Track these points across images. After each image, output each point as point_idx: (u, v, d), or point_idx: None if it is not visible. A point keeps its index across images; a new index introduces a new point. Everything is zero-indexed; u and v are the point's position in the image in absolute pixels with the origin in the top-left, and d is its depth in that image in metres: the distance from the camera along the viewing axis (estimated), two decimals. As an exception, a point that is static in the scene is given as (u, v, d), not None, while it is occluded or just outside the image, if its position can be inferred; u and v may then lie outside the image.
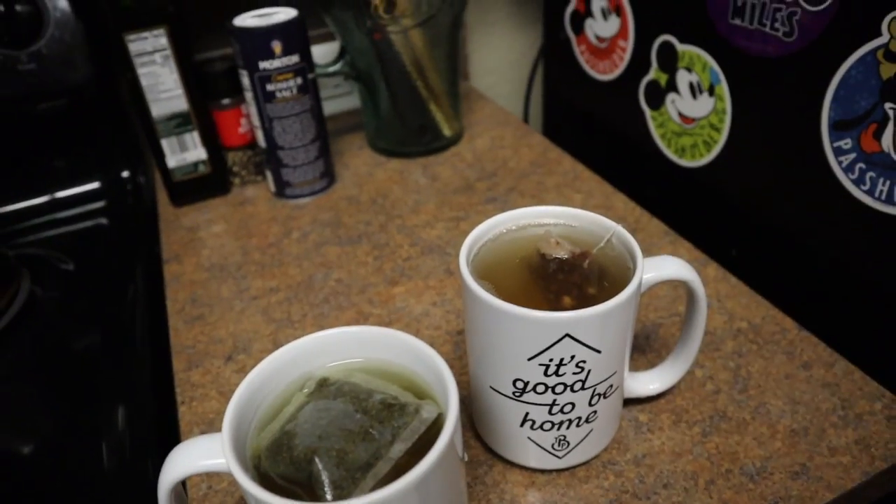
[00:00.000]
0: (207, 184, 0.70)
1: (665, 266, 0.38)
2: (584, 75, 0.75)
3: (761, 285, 0.54)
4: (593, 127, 0.77)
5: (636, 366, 0.48)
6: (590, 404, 0.37)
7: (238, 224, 0.67)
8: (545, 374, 0.35)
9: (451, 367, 0.49)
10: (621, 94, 0.69)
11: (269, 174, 0.69)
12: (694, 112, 0.60)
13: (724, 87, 0.56)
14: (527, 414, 0.37)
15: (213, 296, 0.59)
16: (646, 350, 0.49)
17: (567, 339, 0.33)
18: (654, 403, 0.45)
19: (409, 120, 0.73)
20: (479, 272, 0.38)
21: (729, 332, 0.50)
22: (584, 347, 0.34)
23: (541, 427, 0.38)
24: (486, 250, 0.39)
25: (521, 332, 0.34)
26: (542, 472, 0.41)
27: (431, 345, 0.51)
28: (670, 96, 0.63)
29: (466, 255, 0.37)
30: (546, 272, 0.38)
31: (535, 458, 0.40)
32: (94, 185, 0.73)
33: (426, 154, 0.75)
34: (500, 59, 0.96)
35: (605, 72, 0.71)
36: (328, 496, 0.27)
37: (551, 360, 0.34)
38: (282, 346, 0.32)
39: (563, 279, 0.37)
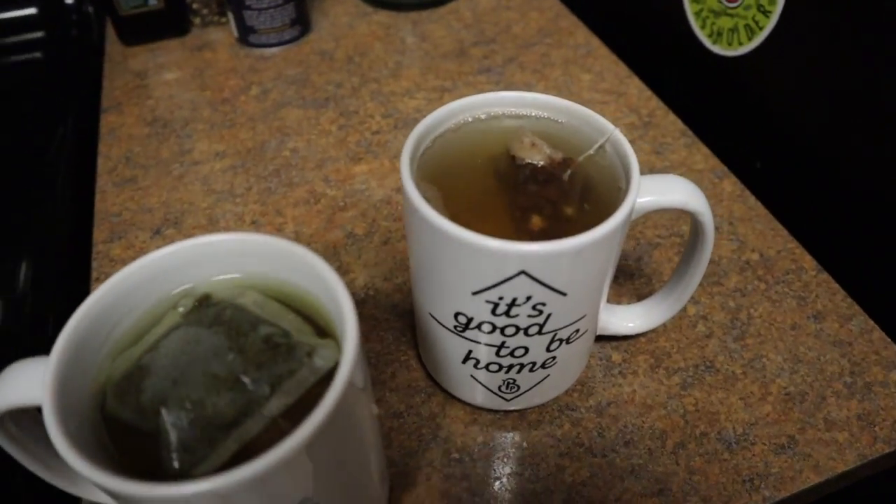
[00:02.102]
0: (162, 21, 0.60)
1: (668, 189, 0.29)
2: (620, -73, 0.62)
3: (784, 210, 0.45)
4: (621, -6, 0.65)
5: (619, 294, 0.41)
6: (547, 350, 0.30)
7: (192, 72, 0.58)
8: (493, 313, 0.28)
9: (406, 270, 0.42)
10: (659, -44, 0.57)
11: (231, 16, 0.58)
12: (743, -13, 0.49)
13: (786, -42, 0.45)
14: (470, 352, 0.31)
15: (151, 156, 0.51)
16: (634, 275, 0.42)
17: (523, 276, 0.26)
18: (633, 341, 0.38)
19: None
20: (429, 173, 0.29)
21: (735, 264, 0.42)
22: (545, 288, 0.26)
23: (486, 368, 0.31)
24: (444, 144, 0.31)
25: (464, 262, 0.26)
26: (488, 410, 0.36)
27: (387, 240, 0.43)
28: (718, -36, 0.51)
29: (412, 149, 0.29)
30: (515, 181, 0.30)
31: (479, 397, 0.34)
32: (31, 10, 0.62)
33: (419, 7, 0.63)
34: None
35: (645, -75, 0.58)
36: (174, 463, 0.21)
37: (501, 298, 0.27)
38: (218, 222, 0.25)
39: (535, 192, 0.29)
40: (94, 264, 0.43)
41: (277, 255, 0.25)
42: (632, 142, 0.49)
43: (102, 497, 0.30)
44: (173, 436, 0.21)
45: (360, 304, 0.40)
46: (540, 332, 0.29)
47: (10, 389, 0.23)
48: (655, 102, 0.53)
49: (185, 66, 0.59)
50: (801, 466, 0.33)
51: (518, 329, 0.28)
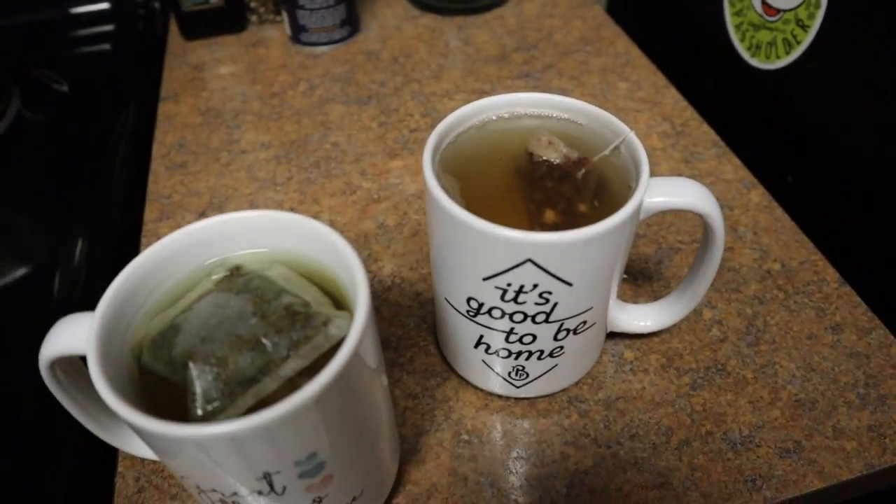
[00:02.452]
0: (221, 18, 0.64)
1: (678, 191, 0.31)
2: (666, -61, 0.63)
3: (812, 225, 0.45)
4: (661, 9, 0.65)
5: (636, 295, 0.42)
6: (555, 339, 0.32)
7: (246, 67, 0.61)
8: (502, 298, 0.29)
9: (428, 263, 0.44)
10: (702, -32, 0.57)
11: (285, 15, 0.62)
12: (781, 2, 0.49)
13: (824, -27, 0.45)
14: (481, 336, 0.32)
15: (202, 143, 0.54)
16: (653, 278, 0.43)
17: (529, 265, 0.27)
18: (646, 340, 0.39)
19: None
20: (450, 166, 0.31)
21: (756, 273, 0.43)
22: (551, 277, 0.28)
23: (496, 353, 0.33)
24: (466, 139, 0.33)
25: (476, 248, 0.28)
26: (500, 396, 0.37)
27: (416, 232, 0.45)
28: (758, -23, 0.51)
29: (436, 142, 0.31)
30: (531, 176, 0.31)
31: (491, 382, 0.36)
32: (104, 5, 0.67)
33: (465, 13, 0.65)
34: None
35: (690, -63, 0.59)
36: (197, 410, 0.23)
37: (509, 284, 0.28)
38: (258, 208, 0.27)
39: (550, 188, 0.31)
40: (143, 241, 0.47)
41: (303, 232, 0.27)
42: (662, 150, 0.50)
43: (135, 448, 0.33)
44: (198, 387, 0.24)
45: (386, 291, 0.42)
46: (547, 321, 0.30)
47: (59, 339, 0.26)
48: (690, 113, 0.54)
49: (239, 60, 0.62)
50: (805, 471, 0.34)
51: (526, 316, 0.30)
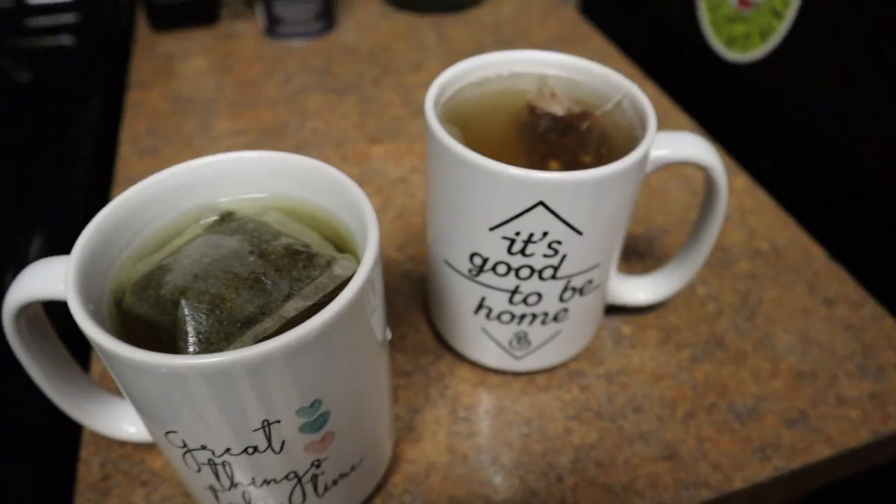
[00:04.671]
0: (193, 10, 0.62)
1: (683, 144, 0.30)
2: (638, -56, 0.64)
3: (794, 209, 0.46)
4: (635, 9, 0.66)
5: (628, 270, 0.41)
6: (560, 299, 0.30)
7: (218, 59, 0.60)
8: (509, 251, 0.28)
9: (419, 242, 0.42)
10: (676, -31, 0.59)
11: (259, 7, 0.60)
12: (758, -7, 0.50)
13: (800, -37, 0.46)
14: (483, 299, 0.31)
15: (174, 130, 0.52)
16: (645, 256, 0.42)
17: (540, 208, 0.26)
18: (642, 316, 0.38)
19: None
20: (452, 118, 0.30)
21: (745, 252, 0.42)
22: (562, 224, 0.27)
23: (498, 318, 0.31)
24: (466, 95, 0.32)
25: (484, 192, 0.27)
26: (497, 372, 0.35)
27: (401, 215, 0.44)
28: (733, -27, 0.52)
29: (437, 94, 0.30)
30: (534, 130, 0.30)
31: (489, 355, 0.34)
32: (67, -6, 0.64)
33: (441, 11, 0.65)
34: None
35: (663, -61, 0.60)
36: (189, 350, 0.21)
37: (518, 233, 0.27)
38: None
39: (553, 140, 0.30)
40: (111, 224, 0.44)
41: (301, 173, 0.26)
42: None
43: (101, 421, 0.30)
44: (191, 326, 0.21)
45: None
46: (554, 277, 0.29)
47: (30, 283, 0.23)
48: (668, 104, 0.54)
49: (211, 52, 0.60)
50: (813, 439, 0.33)
51: (532, 271, 0.29)
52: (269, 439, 0.22)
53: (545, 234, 0.27)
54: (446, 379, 0.35)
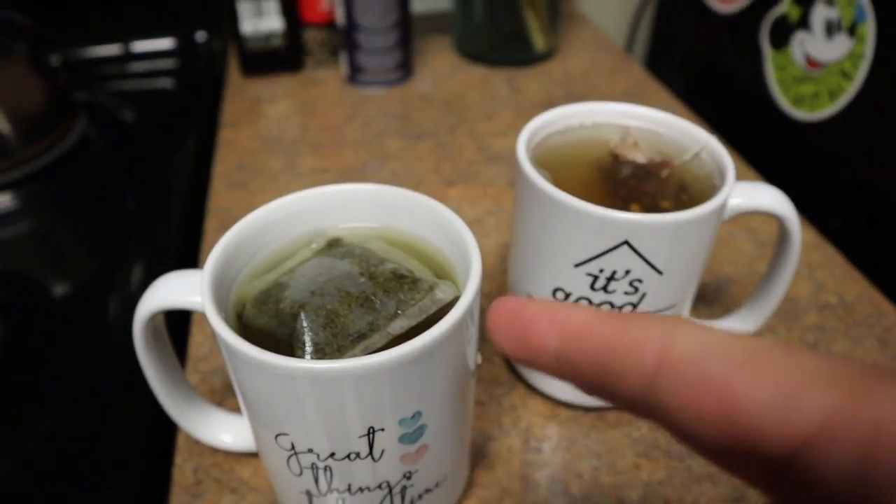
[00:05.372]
0: (281, 57, 0.67)
1: (759, 194, 0.32)
2: (702, 6, 0.66)
3: (863, 267, 0.46)
4: (702, 67, 0.69)
5: (696, 317, 0.42)
6: (636, 336, 0.32)
7: (303, 102, 0.64)
8: (591, 287, 0.30)
9: (493, 280, 0.44)
10: (741, 31, 0.61)
11: (343, 57, 0.65)
12: (824, 55, 0.52)
13: (868, 27, 0.48)
14: (561, 333, 0.32)
15: (261, 166, 0.55)
16: (713, 302, 0.43)
17: (625, 247, 0.28)
18: (711, 361, 0.39)
19: (500, 23, 0.67)
20: (540, 162, 0.32)
21: (814, 304, 0.43)
22: (644, 263, 0.28)
23: (574, 352, 0.33)
24: (552, 142, 0.34)
25: (572, 230, 0.28)
26: (568, 406, 0.37)
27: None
28: (799, 35, 0.54)
29: (527, 139, 0.32)
30: (617, 175, 0.32)
31: (560, 387, 0.35)
32: (168, 43, 0.70)
33: (514, 64, 0.69)
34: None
35: (729, 2, 0.63)
36: (307, 357, 0.23)
37: (602, 270, 0.29)
38: None
39: (634, 185, 0.32)
40: (203, 247, 0.47)
41: (406, 205, 0.28)
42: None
43: (202, 429, 0.32)
44: (308, 336, 0.24)
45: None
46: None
47: (167, 292, 0.26)
48: (736, 159, 0.56)
49: (296, 96, 0.65)
50: (884, 492, 0.33)
51: (612, 307, 0.30)
52: (371, 446, 0.24)
53: (627, 272, 0.29)
54: (519, 410, 0.37)
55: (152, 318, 0.27)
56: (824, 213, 0.53)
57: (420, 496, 0.28)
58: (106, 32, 0.69)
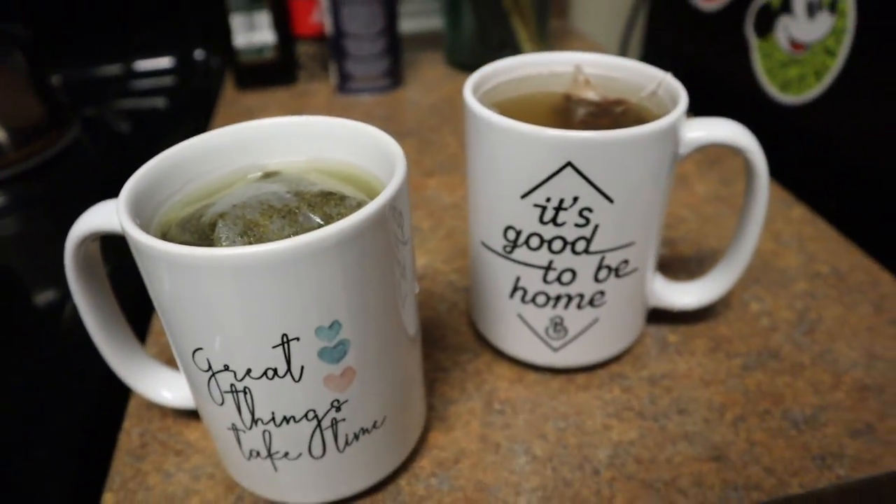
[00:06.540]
0: (274, 71, 0.68)
1: (717, 126, 0.30)
2: (688, 8, 0.66)
3: (861, 244, 0.44)
4: (692, 68, 0.68)
5: (675, 280, 0.40)
6: (595, 279, 0.30)
7: (293, 111, 0.64)
8: (541, 220, 0.28)
9: (463, 257, 0.43)
10: (726, 26, 0.60)
11: (332, 66, 0.66)
12: (807, 35, 0.51)
13: (848, 1, 0.47)
14: (518, 279, 0.31)
15: (245, 166, 0.56)
16: (693, 270, 0.41)
17: (569, 169, 0.27)
18: (690, 326, 0.37)
19: (489, 32, 0.67)
20: (490, 104, 0.31)
21: (803, 274, 0.41)
22: (591, 187, 0.27)
23: (533, 300, 0.31)
24: (506, 86, 0.33)
25: (516, 156, 0.27)
26: (536, 369, 0.35)
27: (450, 234, 0.45)
28: (782, 20, 0.53)
29: (476, 82, 0.31)
30: (570, 114, 0.31)
31: (525, 345, 0.34)
32: (167, 62, 0.72)
33: (502, 73, 0.69)
34: None
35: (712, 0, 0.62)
36: (220, 260, 0.22)
37: (548, 199, 0.28)
38: None
39: (588, 122, 0.31)
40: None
41: (340, 134, 0.27)
42: (698, 175, 0.50)
43: (141, 380, 0.31)
44: (224, 244, 0.23)
45: (419, 280, 0.41)
46: (587, 251, 0.29)
47: (92, 219, 0.25)
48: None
49: (286, 106, 0.65)
50: (881, 451, 0.30)
51: (565, 243, 0.29)
52: (288, 361, 0.22)
53: (575, 199, 0.27)
54: (484, 375, 0.35)
55: (82, 244, 0.26)
56: (820, 196, 0.51)
57: (356, 436, 0.26)
58: (108, 52, 0.71)
